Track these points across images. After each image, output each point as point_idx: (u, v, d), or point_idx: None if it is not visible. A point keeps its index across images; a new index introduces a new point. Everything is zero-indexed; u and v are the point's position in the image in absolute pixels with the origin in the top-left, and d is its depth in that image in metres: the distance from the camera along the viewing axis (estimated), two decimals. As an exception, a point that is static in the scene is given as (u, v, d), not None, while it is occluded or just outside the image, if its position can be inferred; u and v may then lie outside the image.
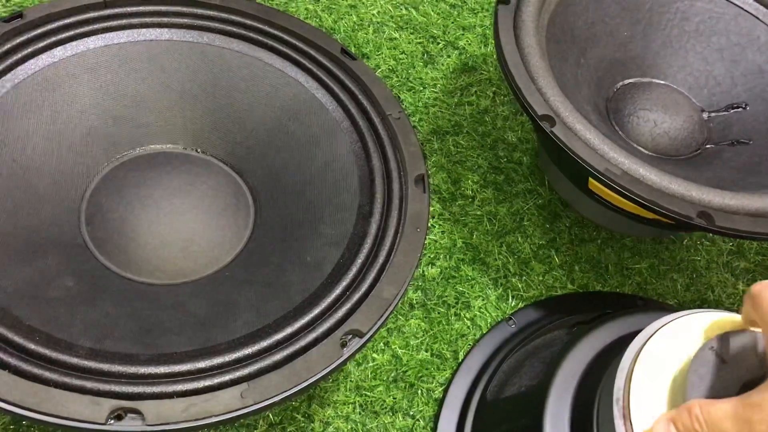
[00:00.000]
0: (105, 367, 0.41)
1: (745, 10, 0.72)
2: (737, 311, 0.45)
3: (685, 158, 0.69)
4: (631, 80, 0.72)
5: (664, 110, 0.70)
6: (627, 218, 0.64)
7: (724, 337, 0.43)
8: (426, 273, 0.68)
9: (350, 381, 0.60)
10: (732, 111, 0.71)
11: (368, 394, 0.59)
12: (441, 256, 0.69)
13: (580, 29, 0.69)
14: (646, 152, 0.68)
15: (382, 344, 0.62)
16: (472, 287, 0.68)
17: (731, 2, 0.73)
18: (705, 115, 0.72)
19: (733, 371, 0.42)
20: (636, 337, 0.47)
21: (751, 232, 0.54)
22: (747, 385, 0.40)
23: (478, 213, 0.73)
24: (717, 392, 0.41)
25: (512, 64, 0.59)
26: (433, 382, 0.61)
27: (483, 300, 0.67)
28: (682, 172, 0.64)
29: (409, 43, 0.85)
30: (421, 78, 0.82)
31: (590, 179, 0.56)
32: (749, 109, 0.70)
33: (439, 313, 0.65)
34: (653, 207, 0.53)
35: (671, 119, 0.69)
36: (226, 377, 0.41)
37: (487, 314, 0.66)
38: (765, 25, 0.71)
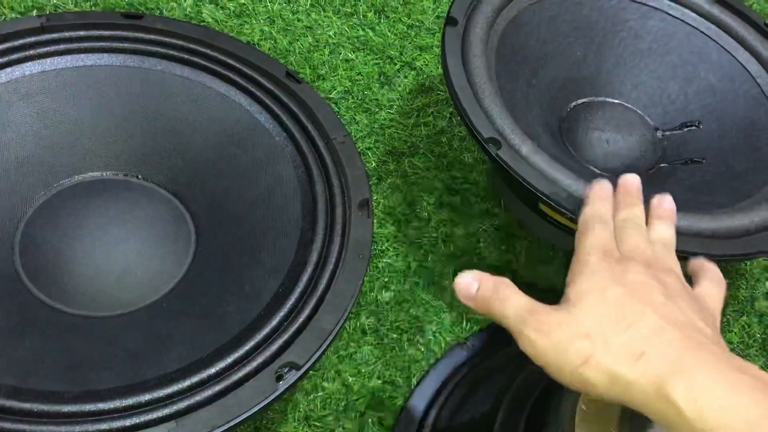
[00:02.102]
0: (27, 406, 0.40)
1: (697, 29, 0.72)
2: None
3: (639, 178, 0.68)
4: (584, 100, 0.72)
5: (617, 130, 0.70)
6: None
7: None
8: (379, 298, 0.66)
9: (299, 411, 0.58)
10: (686, 129, 0.71)
11: (317, 424, 0.58)
12: (395, 280, 0.68)
13: (532, 49, 0.69)
14: (599, 172, 0.67)
15: (332, 372, 0.61)
16: (426, 311, 0.66)
17: (683, 21, 0.73)
18: (659, 134, 0.71)
19: None
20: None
21: (701, 253, 0.53)
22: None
23: (434, 235, 0.72)
24: None
25: (458, 86, 0.58)
26: (384, 411, 0.60)
27: (437, 324, 0.66)
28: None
29: (366, 64, 0.84)
30: (377, 99, 0.81)
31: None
32: (703, 128, 0.70)
33: (392, 338, 0.64)
34: (600, 229, 0.52)
35: (624, 138, 0.69)
36: (154, 415, 0.40)
37: (442, 339, 0.65)
38: (716, 44, 0.71)
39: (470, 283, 0.41)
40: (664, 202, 0.49)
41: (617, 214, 0.46)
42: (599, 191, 0.48)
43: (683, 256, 0.54)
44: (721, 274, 0.45)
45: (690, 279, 0.45)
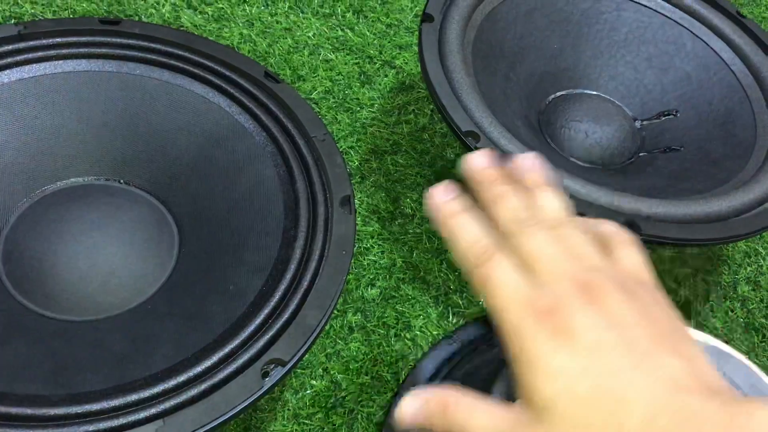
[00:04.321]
0: (13, 410, 0.40)
1: (671, 19, 0.73)
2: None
3: (619, 167, 0.69)
4: (562, 92, 0.73)
5: (595, 121, 0.70)
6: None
7: None
8: (365, 295, 0.67)
9: (288, 409, 0.59)
10: (663, 118, 0.71)
11: (307, 422, 0.58)
12: (380, 277, 0.68)
13: (509, 43, 0.70)
14: (580, 163, 0.68)
15: (320, 370, 0.61)
16: (412, 306, 0.67)
17: (657, 11, 0.73)
18: (637, 124, 0.72)
19: None
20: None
21: (679, 238, 0.54)
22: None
23: (418, 231, 0.72)
24: None
25: (436, 81, 0.58)
26: (373, 406, 0.60)
27: (424, 319, 0.66)
28: (614, 182, 0.64)
29: (346, 64, 0.85)
30: (358, 98, 0.82)
31: (519, 193, 0.55)
32: (680, 116, 0.71)
33: (379, 335, 0.64)
34: (579, 218, 0.53)
35: (602, 129, 0.70)
36: (141, 415, 0.40)
37: (428, 333, 0.65)
38: (690, 33, 0.72)
39: (415, 411, 0.33)
40: (525, 163, 0.38)
41: (492, 214, 0.36)
42: (451, 206, 0.36)
43: (661, 243, 0.55)
44: (624, 232, 0.37)
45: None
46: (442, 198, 0.37)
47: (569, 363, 0.30)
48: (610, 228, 0.36)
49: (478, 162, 0.38)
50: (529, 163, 0.38)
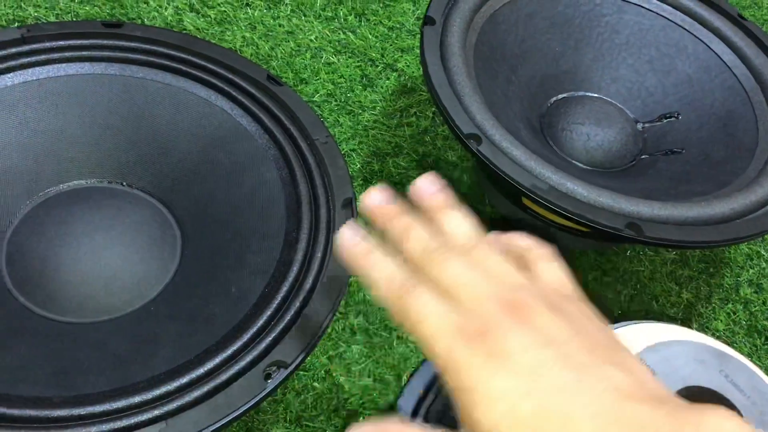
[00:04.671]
0: (16, 412, 0.40)
1: (673, 21, 0.73)
2: (680, 320, 0.45)
3: (621, 170, 0.69)
4: (564, 95, 0.73)
5: (597, 123, 0.70)
6: (565, 232, 0.64)
7: (653, 349, 0.43)
8: (367, 297, 0.67)
9: (290, 412, 0.59)
10: (665, 121, 0.72)
11: (309, 424, 0.58)
12: (383, 279, 0.68)
13: (510, 46, 0.70)
14: (581, 166, 0.68)
15: (323, 372, 0.61)
16: (414, 309, 0.67)
17: (658, 14, 0.74)
18: (639, 126, 0.72)
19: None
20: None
21: (680, 240, 0.54)
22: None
23: (420, 234, 0.72)
24: None
25: (438, 84, 0.59)
26: (375, 409, 0.60)
27: (426, 321, 0.66)
28: (616, 184, 0.64)
29: (348, 66, 0.85)
30: (360, 101, 0.82)
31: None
32: (681, 119, 0.71)
33: (381, 337, 0.64)
34: (581, 220, 0.53)
35: (604, 132, 0.70)
36: (144, 416, 0.40)
37: (431, 336, 0.65)
38: (692, 36, 0.72)
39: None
40: (422, 189, 0.37)
41: (402, 249, 0.34)
42: (357, 248, 0.35)
43: (662, 245, 0.55)
44: (541, 247, 0.36)
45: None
46: (349, 241, 0.35)
47: (508, 385, 0.29)
48: (524, 242, 0.36)
49: (373, 200, 0.37)
50: (428, 186, 0.37)
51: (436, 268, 0.32)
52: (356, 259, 0.35)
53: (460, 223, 0.35)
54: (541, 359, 0.29)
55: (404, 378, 0.63)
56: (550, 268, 0.34)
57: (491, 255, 0.33)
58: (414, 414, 0.60)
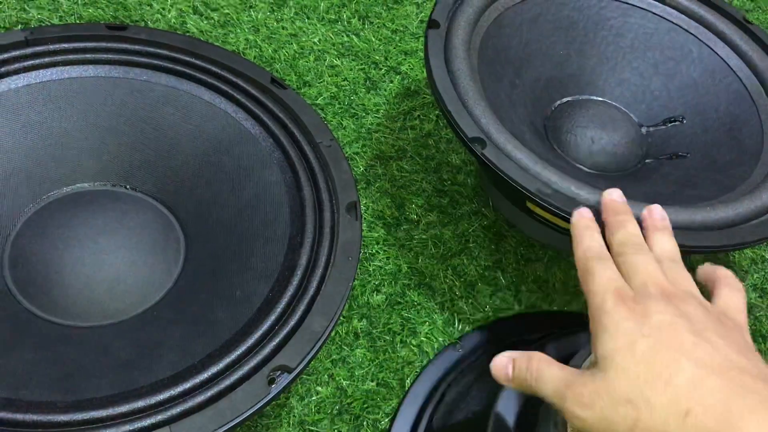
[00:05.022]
0: (20, 417, 0.40)
1: (677, 25, 0.73)
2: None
3: (626, 174, 0.69)
4: (568, 98, 0.73)
5: (601, 127, 0.70)
6: (569, 236, 0.63)
7: None
8: (371, 301, 0.67)
9: (293, 416, 0.58)
10: (670, 125, 0.71)
11: (312, 428, 0.58)
12: (386, 283, 0.68)
13: (514, 49, 0.69)
14: (586, 170, 0.68)
15: (326, 376, 0.61)
16: (418, 312, 0.67)
17: (663, 18, 0.73)
18: (644, 130, 0.72)
19: None
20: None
21: (685, 245, 0.54)
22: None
23: (423, 237, 0.72)
24: None
25: (442, 87, 0.58)
26: (379, 413, 0.60)
27: (429, 325, 0.66)
28: (620, 188, 0.64)
29: (351, 69, 0.85)
30: (363, 104, 0.82)
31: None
32: (686, 122, 0.71)
33: (384, 341, 0.64)
34: (586, 225, 0.53)
35: (609, 135, 0.70)
36: (147, 421, 0.40)
37: (434, 340, 0.65)
38: (697, 39, 0.72)
39: (505, 364, 0.42)
40: (655, 212, 0.49)
41: (611, 237, 0.46)
42: (581, 222, 0.47)
43: (683, 251, 0.54)
44: (735, 278, 0.44)
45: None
46: (582, 213, 0.48)
47: (635, 328, 0.37)
48: (722, 271, 0.44)
49: (613, 195, 0.50)
50: (658, 213, 0.49)
51: (629, 257, 0.43)
52: (577, 227, 0.47)
53: (667, 242, 0.47)
54: (671, 322, 0.36)
55: (407, 382, 0.62)
56: (731, 296, 0.42)
57: (680, 269, 0.43)
58: (419, 418, 0.60)
